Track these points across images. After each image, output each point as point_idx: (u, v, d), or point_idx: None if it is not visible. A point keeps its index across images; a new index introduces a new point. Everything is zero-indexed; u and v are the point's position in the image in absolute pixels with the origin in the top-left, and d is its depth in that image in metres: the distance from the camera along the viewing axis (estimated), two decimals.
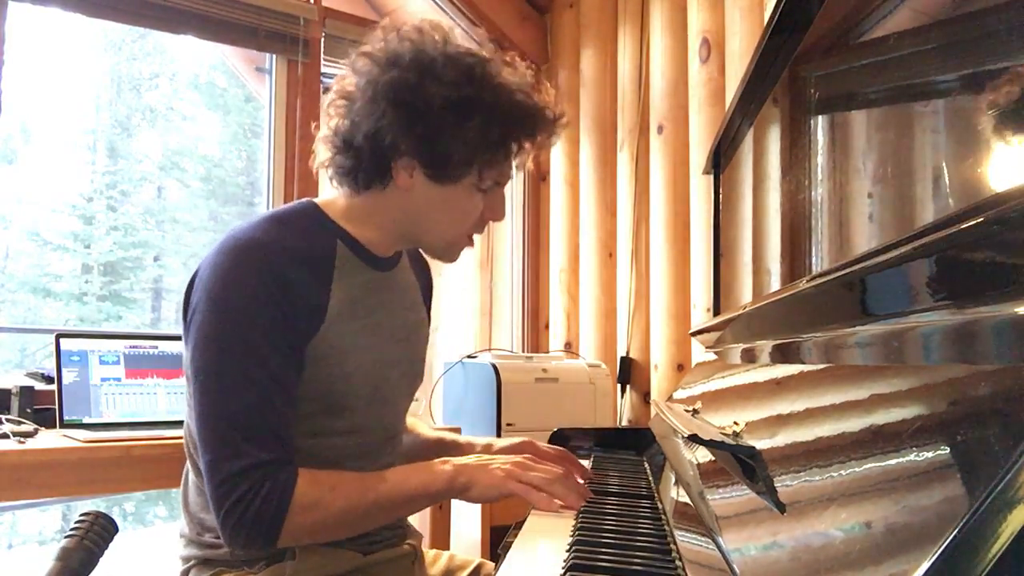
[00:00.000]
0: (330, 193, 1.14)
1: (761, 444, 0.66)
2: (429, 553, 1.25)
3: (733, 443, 0.71)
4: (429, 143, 1.01)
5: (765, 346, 0.96)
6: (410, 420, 1.37)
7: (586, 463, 1.33)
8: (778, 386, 0.79)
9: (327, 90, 1.09)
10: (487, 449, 1.26)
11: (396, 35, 1.02)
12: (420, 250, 1.24)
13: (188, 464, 1.11)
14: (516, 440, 1.26)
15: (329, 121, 1.06)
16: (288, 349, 1.00)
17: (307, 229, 1.07)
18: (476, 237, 1.15)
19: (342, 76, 1.06)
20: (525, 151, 1.07)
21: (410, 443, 1.31)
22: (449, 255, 1.14)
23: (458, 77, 0.99)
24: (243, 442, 0.95)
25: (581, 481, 1.11)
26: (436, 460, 1.06)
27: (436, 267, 1.34)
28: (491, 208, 1.10)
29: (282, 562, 1.03)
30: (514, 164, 1.08)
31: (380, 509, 1.02)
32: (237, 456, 0.95)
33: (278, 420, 0.98)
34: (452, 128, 1.00)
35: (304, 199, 1.13)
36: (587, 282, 2.82)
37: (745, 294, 1.47)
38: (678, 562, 0.75)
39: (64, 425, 1.71)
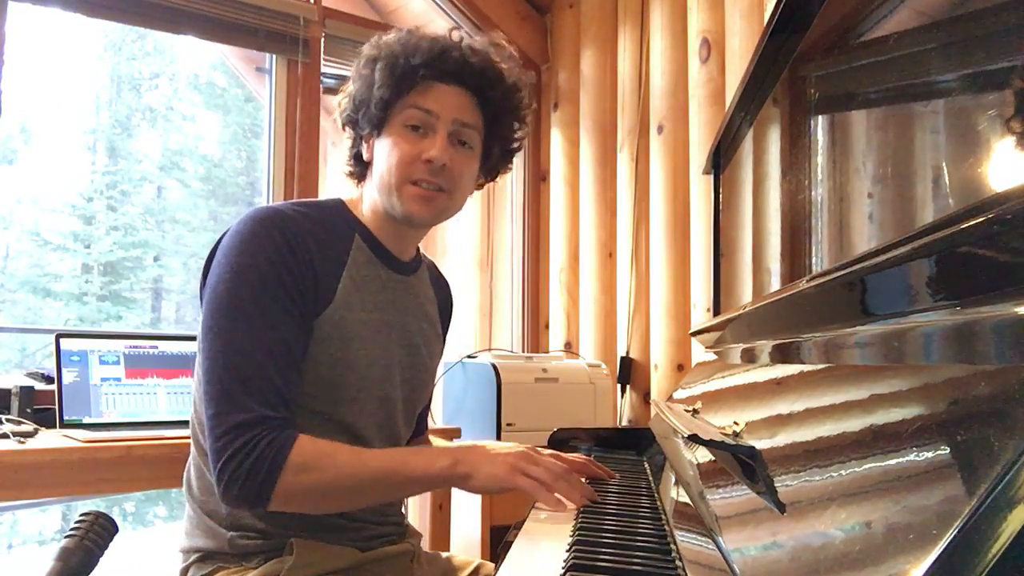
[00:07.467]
0: (353, 193, 1.20)
1: (761, 444, 0.66)
2: (429, 554, 1.25)
3: (733, 443, 0.71)
4: (356, 102, 1.13)
5: (765, 346, 0.96)
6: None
7: None
8: (778, 386, 0.79)
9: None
10: None
11: None
12: (422, 251, 1.25)
13: (193, 448, 1.11)
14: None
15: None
16: (299, 316, 1.03)
17: (328, 218, 1.12)
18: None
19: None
20: (428, 85, 1.09)
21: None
22: (403, 203, 1.10)
23: (370, 50, 1.13)
24: (246, 397, 0.97)
25: (584, 480, 1.11)
26: (440, 445, 1.05)
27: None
28: (427, 147, 1.09)
29: (280, 557, 1.03)
30: (425, 99, 1.09)
31: (376, 484, 1.02)
32: (239, 410, 0.96)
33: (283, 380, 1.00)
34: (363, 82, 1.12)
35: (334, 197, 1.19)
36: (587, 282, 2.82)
37: (745, 294, 1.46)
38: (678, 562, 0.75)
39: (64, 425, 1.71)
